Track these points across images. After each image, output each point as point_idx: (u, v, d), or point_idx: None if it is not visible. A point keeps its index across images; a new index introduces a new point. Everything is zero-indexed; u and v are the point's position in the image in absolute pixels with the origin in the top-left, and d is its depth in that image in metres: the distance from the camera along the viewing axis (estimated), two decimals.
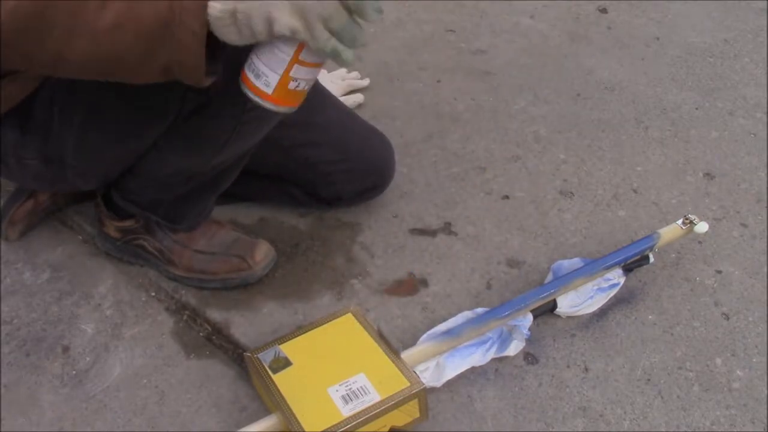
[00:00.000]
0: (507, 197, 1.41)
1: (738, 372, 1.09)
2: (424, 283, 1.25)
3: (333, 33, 0.77)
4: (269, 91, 0.83)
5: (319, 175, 1.30)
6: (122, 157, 1.10)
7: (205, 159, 1.08)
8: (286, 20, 0.76)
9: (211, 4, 0.75)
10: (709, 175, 1.45)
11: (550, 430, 1.02)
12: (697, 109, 1.63)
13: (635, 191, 1.42)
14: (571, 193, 1.42)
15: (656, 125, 1.59)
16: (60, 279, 1.27)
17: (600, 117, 1.62)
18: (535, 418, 1.03)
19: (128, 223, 1.24)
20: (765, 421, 1.02)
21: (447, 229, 1.35)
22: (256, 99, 0.84)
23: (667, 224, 1.24)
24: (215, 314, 1.20)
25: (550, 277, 1.20)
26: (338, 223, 1.36)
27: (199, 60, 0.78)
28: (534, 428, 1.02)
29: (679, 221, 1.22)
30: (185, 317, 1.20)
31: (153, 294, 1.24)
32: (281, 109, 0.86)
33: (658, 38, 1.88)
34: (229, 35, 0.78)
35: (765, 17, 1.93)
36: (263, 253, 1.23)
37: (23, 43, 0.77)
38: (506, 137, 1.56)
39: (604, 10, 2.00)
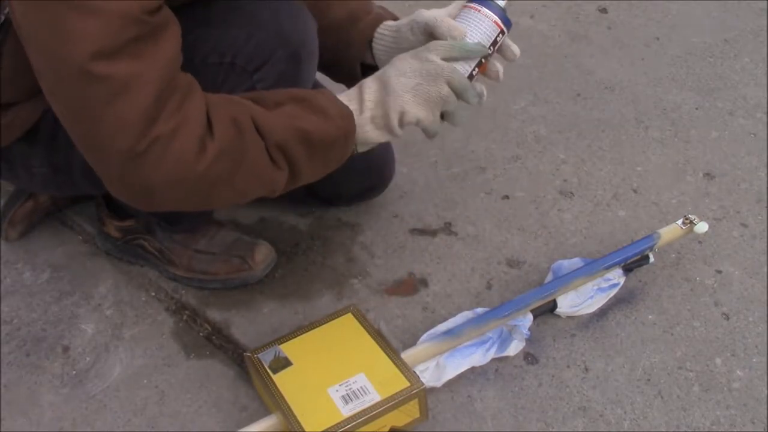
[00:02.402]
0: (507, 197, 1.41)
1: (738, 372, 1.09)
2: (424, 283, 1.25)
3: (447, 115, 0.99)
4: None
5: None
6: None
7: None
8: (414, 112, 0.96)
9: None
10: (709, 175, 1.45)
11: (550, 430, 1.02)
12: (697, 109, 1.63)
13: (635, 191, 1.42)
14: (571, 193, 1.42)
15: (656, 125, 1.59)
16: (60, 279, 1.27)
17: (600, 117, 1.62)
18: (535, 418, 1.03)
19: (129, 223, 1.24)
20: (765, 421, 1.02)
21: (447, 229, 1.35)
22: None
23: (667, 224, 1.24)
24: (215, 314, 1.20)
25: (550, 277, 1.20)
26: (338, 223, 1.36)
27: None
28: (534, 428, 1.02)
29: (679, 221, 1.22)
30: (185, 317, 1.20)
31: (153, 294, 1.24)
32: None
33: (658, 38, 1.88)
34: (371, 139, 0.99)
35: (765, 17, 1.93)
36: (263, 254, 1.23)
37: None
38: (506, 137, 1.56)
39: (604, 10, 2.00)
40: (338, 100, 0.96)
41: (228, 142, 0.86)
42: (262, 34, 0.99)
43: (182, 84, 0.85)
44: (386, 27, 1.10)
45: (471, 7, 0.99)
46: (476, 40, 0.97)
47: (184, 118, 0.83)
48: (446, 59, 0.95)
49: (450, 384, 1.06)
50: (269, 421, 0.99)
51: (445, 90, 0.95)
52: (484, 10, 0.98)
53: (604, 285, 1.18)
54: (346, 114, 0.95)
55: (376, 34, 1.10)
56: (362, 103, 0.96)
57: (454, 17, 1.00)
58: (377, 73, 0.98)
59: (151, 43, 0.80)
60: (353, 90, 0.98)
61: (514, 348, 1.10)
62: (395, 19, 1.12)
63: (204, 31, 0.98)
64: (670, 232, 1.21)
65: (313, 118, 0.92)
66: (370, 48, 1.10)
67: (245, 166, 0.89)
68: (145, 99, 0.80)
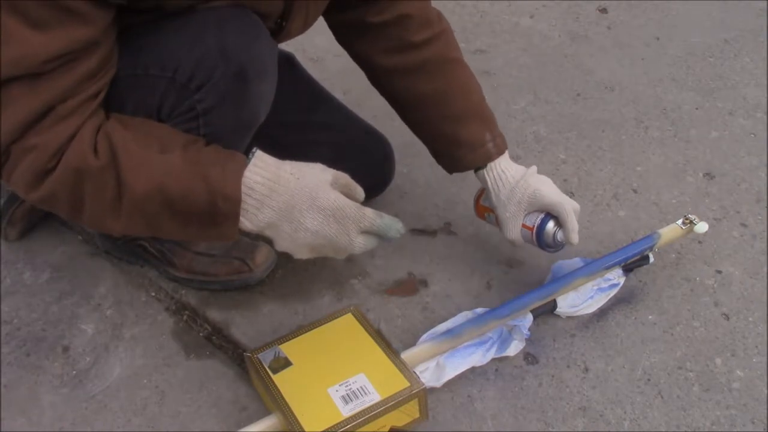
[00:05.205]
0: None
1: (738, 372, 1.09)
2: (424, 283, 1.25)
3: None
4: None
5: None
6: None
7: None
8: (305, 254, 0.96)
9: (242, 220, 0.91)
10: (709, 175, 1.45)
11: (550, 430, 1.02)
12: (697, 109, 1.63)
13: (635, 191, 1.42)
14: (571, 193, 1.42)
15: (656, 125, 1.59)
16: (60, 279, 1.27)
17: (600, 117, 1.62)
18: (535, 418, 1.03)
19: None
20: (765, 421, 1.02)
21: (447, 229, 1.35)
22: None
23: (667, 224, 1.24)
24: (215, 314, 1.20)
25: (550, 277, 1.20)
26: None
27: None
28: (534, 428, 1.02)
29: (679, 221, 1.22)
30: (185, 317, 1.20)
31: (153, 294, 1.24)
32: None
33: (658, 38, 1.88)
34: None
35: (765, 17, 1.93)
36: (264, 255, 1.23)
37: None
38: (506, 137, 1.56)
39: (604, 10, 2.00)
40: (240, 178, 0.88)
41: (60, 189, 0.86)
42: (202, 48, 0.92)
43: (61, 111, 0.83)
44: (497, 174, 1.18)
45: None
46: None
47: (35, 146, 0.83)
48: (364, 231, 0.93)
49: (450, 384, 1.06)
50: (269, 421, 0.99)
51: (343, 257, 0.96)
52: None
53: (604, 285, 1.18)
54: (232, 197, 0.88)
55: (484, 175, 1.19)
56: (260, 209, 0.91)
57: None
58: (293, 187, 0.91)
59: (44, 78, 0.81)
60: (265, 183, 0.90)
61: (514, 348, 1.10)
62: (502, 149, 1.20)
63: (151, 40, 0.93)
64: (670, 232, 1.21)
65: (190, 185, 0.87)
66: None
67: (86, 211, 0.88)
68: (21, 116, 0.82)
